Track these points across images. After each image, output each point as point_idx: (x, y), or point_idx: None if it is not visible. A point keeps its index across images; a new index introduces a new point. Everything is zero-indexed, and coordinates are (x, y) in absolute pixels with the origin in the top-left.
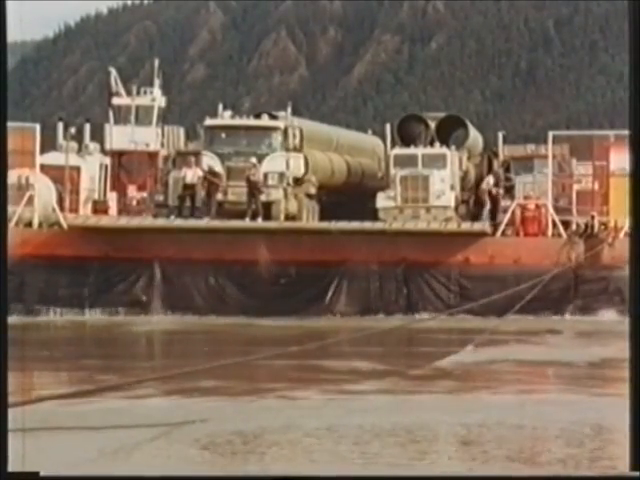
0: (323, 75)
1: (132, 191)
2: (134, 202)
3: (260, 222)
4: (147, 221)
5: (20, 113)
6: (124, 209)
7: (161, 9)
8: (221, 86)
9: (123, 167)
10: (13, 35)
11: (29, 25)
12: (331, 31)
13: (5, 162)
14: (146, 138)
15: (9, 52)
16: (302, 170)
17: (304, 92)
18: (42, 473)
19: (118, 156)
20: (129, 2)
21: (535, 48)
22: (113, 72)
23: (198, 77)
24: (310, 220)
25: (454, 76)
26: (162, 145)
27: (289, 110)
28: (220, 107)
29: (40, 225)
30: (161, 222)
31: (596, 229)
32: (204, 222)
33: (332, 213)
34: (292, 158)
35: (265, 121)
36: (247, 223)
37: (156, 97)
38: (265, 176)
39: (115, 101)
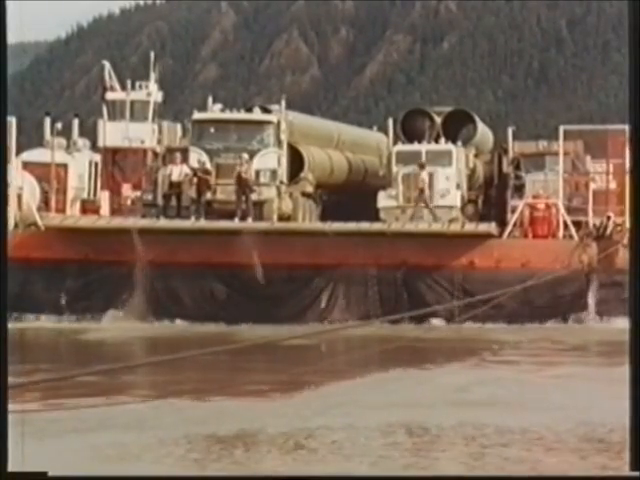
0: (335, 75)
1: (126, 190)
2: (129, 201)
3: (251, 223)
4: (128, 221)
5: (33, 113)
6: (118, 209)
7: (173, 9)
8: (233, 86)
9: (117, 165)
10: (26, 36)
11: (43, 26)
12: (343, 31)
13: (5, 161)
14: (141, 134)
15: (23, 52)
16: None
17: (316, 92)
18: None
19: (112, 153)
20: (141, 2)
21: (547, 48)
22: (107, 66)
23: (210, 77)
24: (307, 221)
25: (466, 76)
26: (158, 142)
27: (283, 103)
28: (210, 100)
29: (16, 226)
30: (143, 222)
31: (610, 230)
32: (190, 222)
33: (333, 213)
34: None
35: (257, 115)
36: (237, 224)
37: (152, 92)
38: (257, 173)
39: (109, 96)
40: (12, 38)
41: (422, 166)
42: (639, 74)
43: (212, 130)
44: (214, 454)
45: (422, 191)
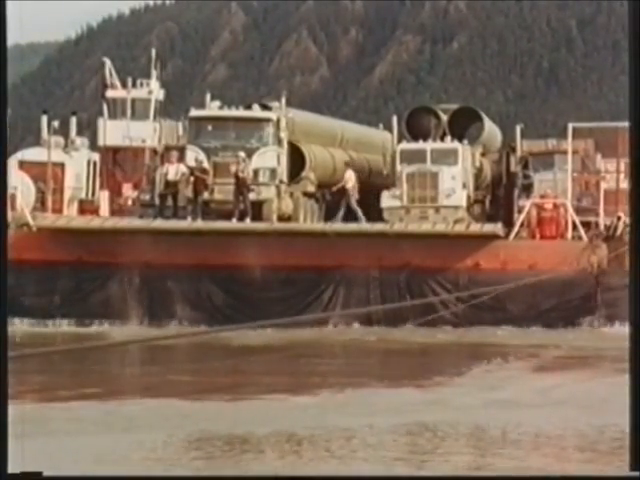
0: (344, 75)
1: (127, 190)
2: (129, 202)
3: (249, 223)
4: (123, 222)
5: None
6: (119, 209)
7: (183, 10)
8: (242, 86)
9: (118, 164)
10: (36, 36)
11: (53, 26)
12: (352, 31)
13: (5, 161)
14: (142, 133)
15: (33, 53)
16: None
17: (325, 92)
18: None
19: (112, 152)
20: (151, 3)
21: (557, 48)
22: (107, 63)
23: (219, 78)
24: (309, 221)
25: (476, 76)
26: (160, 141)
27: (283, 101)
28: (208, 97)
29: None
30: (138, 223)
31: (620, 230)
32: (186, 223)
33: (336, 214)
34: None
35: (255, 112)
36: (234, 224)
37: (153, 90)
38: (255, 172)
39: (109, 94)
40: (20, 39)
41: (347, 164)
42: (639, 74)
43: (210, 128)
44: None
45: (345, 190)
